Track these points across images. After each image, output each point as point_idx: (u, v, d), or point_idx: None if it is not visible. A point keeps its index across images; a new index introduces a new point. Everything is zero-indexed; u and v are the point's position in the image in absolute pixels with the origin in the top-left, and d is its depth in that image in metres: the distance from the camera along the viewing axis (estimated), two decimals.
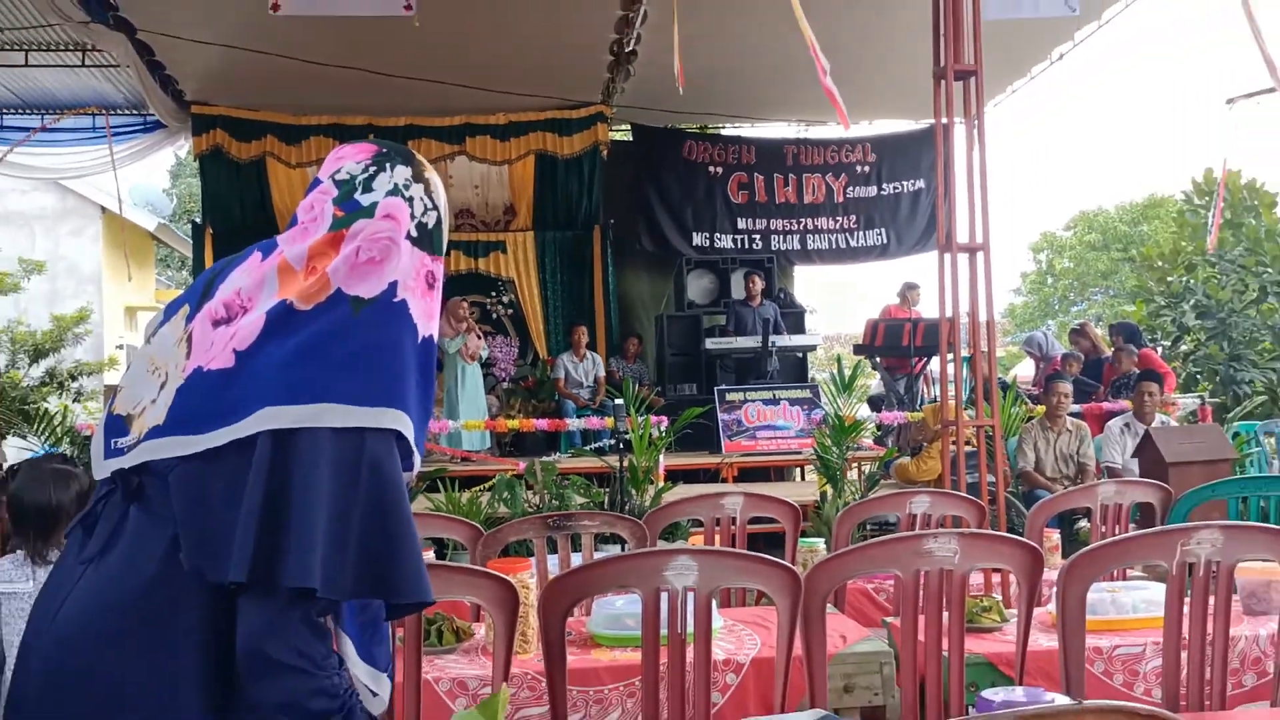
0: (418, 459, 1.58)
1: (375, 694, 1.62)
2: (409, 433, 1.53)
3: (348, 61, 8.95)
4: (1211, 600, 2.53)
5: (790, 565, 2.38)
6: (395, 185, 1.61)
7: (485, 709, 1.61)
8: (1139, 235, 28.88)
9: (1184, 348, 13.08)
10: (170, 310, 1.64)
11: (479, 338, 10.06)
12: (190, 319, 1.59)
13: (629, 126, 12.03)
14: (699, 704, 2.41)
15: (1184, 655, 2.54)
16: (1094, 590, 3.09)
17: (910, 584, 2.53)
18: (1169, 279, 13.60)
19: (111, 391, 1.68)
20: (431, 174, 1.67)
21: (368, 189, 1.60)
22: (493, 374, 11.10)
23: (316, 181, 1.63)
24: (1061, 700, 2.14)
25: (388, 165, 1.63)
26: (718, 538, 3.73)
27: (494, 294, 11.85)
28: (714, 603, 3.02)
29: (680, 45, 6.90)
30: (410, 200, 1.60)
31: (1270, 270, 13.04)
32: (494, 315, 11.89)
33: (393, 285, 1.54)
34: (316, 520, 1.43)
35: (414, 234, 1.59)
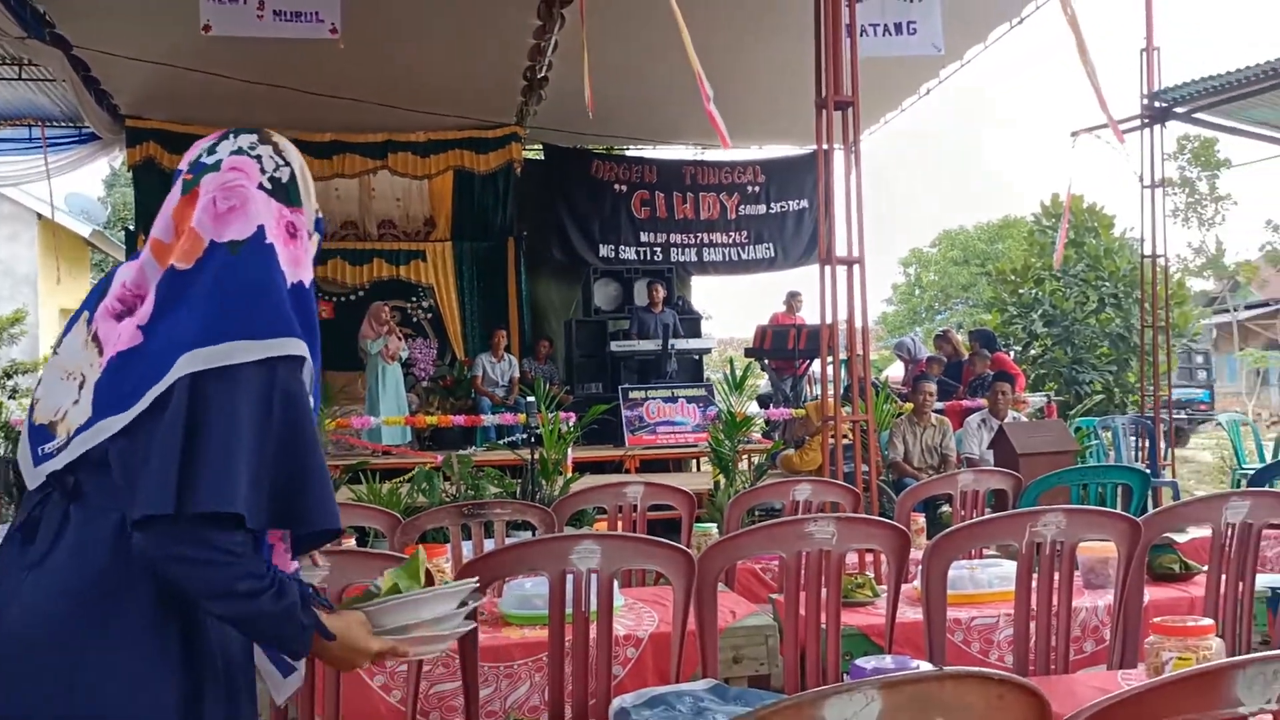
0: (314, 404, 1.56)
1: (287, 674, 1.60)
2: (308, 358, 1.52)
3: (277, 80, 8.74)
4: (1056, 576, 2.60)
5: (685, 548, 2.38)
6: (240, 147, 1.59)
7: (408, 568, 1.62)
8: (995, 252, 29.71)
9: (1033, 352, 13.48)
10: (72, 321, 1.60)
11: (399, 339, 9.90)
12: (90, 321, 1.55)
13: (541, 146, 11.98)
14: (601, 676, 2.40)
15: (1032, 625, 2.61)
16: (955, 568, 3.16)
17: (793, 563, 2.55)
18: (1020, 291, 14.01)
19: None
20: (280, 139, 1.64)
21: (212, 153, 1.58)
22: (413, 373, 10.94)
23: (178, 173, 1.61)
24: (926, 667, 2.18)
25: (232, 135, 1.61)
26: (620, 524, 3.72)
27: (414, 299, 11.69)
28: (615, 583, 3.01)
29: (589, 73, 6.88)
30: (258, 158, 1.58)
31: (1108, 284, 13.52)
32: (414, 319, 11.73)
33: (260, 229, 1.52)
34: (236, 450, 1.40)
35: (267, 186, 1.56)
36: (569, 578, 2.37)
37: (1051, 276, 13.74)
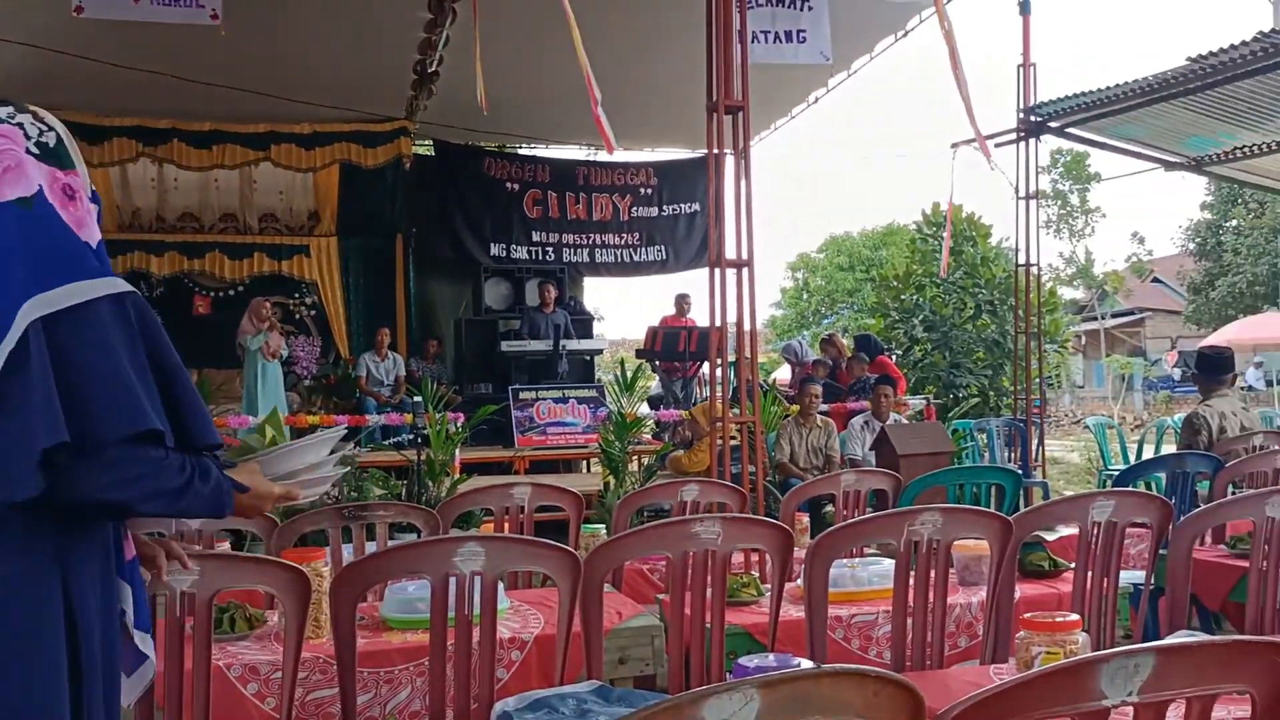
0: None
1: (146, 656, 1.62)
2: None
3: (152, 65, 8.39)
4: (932, 573, 2.66)
5: (570, 549, 2.36)
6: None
7: (271, 421, 1.79)
8: (879, 259, 30.51)
9: (914, 356, 13.85)
10: None
11: (280, 336, 9.63)
12: None
13: (432, 142, 11.80)
14: (483, 681, 2.36)
15: (909, 622, 2.67)
16: (836, 566, 3.21)
17: (679, 564, 2.56)
18: (903, 297, 14.38)
19: None
20: (39, 110, 1.63)
21: None
22: (294, 372, 10.65)
23: None
24: (806, 664, 2.21)
25: None
26: (507, 525, 3.68)
27: (297, 295, 11.40)
28: (501, 586, 2.98)
29: (481, 69, 6.80)
30: (19, 125, 1.57)
31: (984, 291, 13.99)
32: (297, 316, 11.43)
33: (40, 188, 1.51)
34: (124, 375, 1.44)
35: (35, 151, 1.55)
36: (452, 581, 2.32)
37: (932, 283, 14.15)
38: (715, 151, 4.61)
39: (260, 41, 8.09)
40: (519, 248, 11.77)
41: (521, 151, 12.38)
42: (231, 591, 2.73)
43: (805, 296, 34.22)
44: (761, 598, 3.08)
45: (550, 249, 11.87)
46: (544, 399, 9.44)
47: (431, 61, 9.11)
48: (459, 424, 7.89)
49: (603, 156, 12.37)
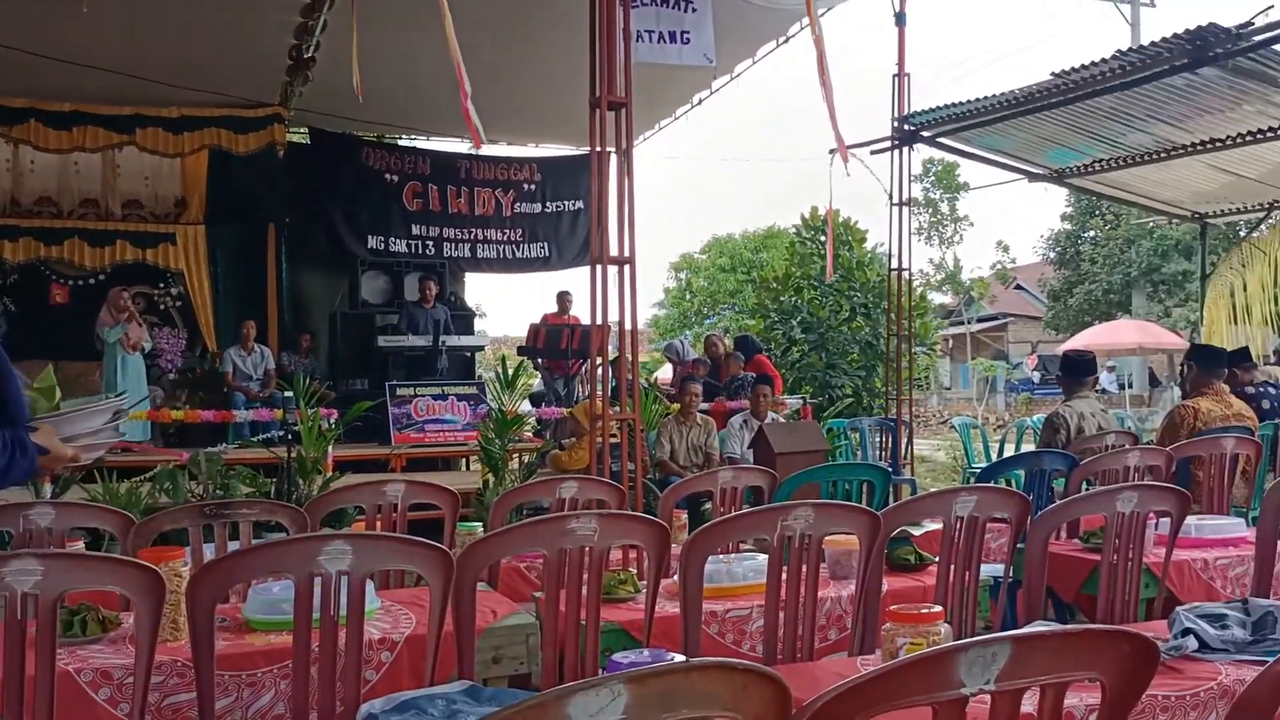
0: None
1: None
2: None
3: (8, 40, 7.92)
4: (804, 568, 2.71)
5: (441, 546, 2.31)
6: None
7: (44, 387, 1.96)
8: (760, 261, 31.00)
9: (792, 356, 14.12)
10: None
11: (141, 327, 9.22)
12: None
13: (307, 130, 11.48)
14: (349, 683, 2.30)
15: (781, 616, 2.70)
16: (713, 562, 3.24)
17: (554, 561, 2.54)
18: (781, 299, 14.64)
19: None
20: None
21: None
22: (158, 365, 10.22)
23: None
24: (678, 659, 2.22)
25: None
26: (379, 524, 3.59)
27: (162, 285, 10.94)
28: (372, 585, 2.90)
29: (359, 57, 6.64)
30: None
31: (859, 295, 14.36)
32: (161, 306, 10.97)
33: None
34: None
35: None
36: (317, 580, 2.25)
37: (810, 285, 14.46)
38: (598, 148, 4.60)
39: (126, 19, 7.72)
40: (398, 241, 11.54)
41: (401, 142, 12.15)
42: (85, 593, 2.59)
43: (688, 296, 34.52)
44: (638, 594, 3.08)
45: (430, 243, 11.67)
46: (422, 396, 9.28)
47: (308, 47, 8.84)
48: (332, 420, 7.69)
49: (486, 150, 12.23)
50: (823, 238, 14.57)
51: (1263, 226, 12.67)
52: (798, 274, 14.77)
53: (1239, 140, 8.98)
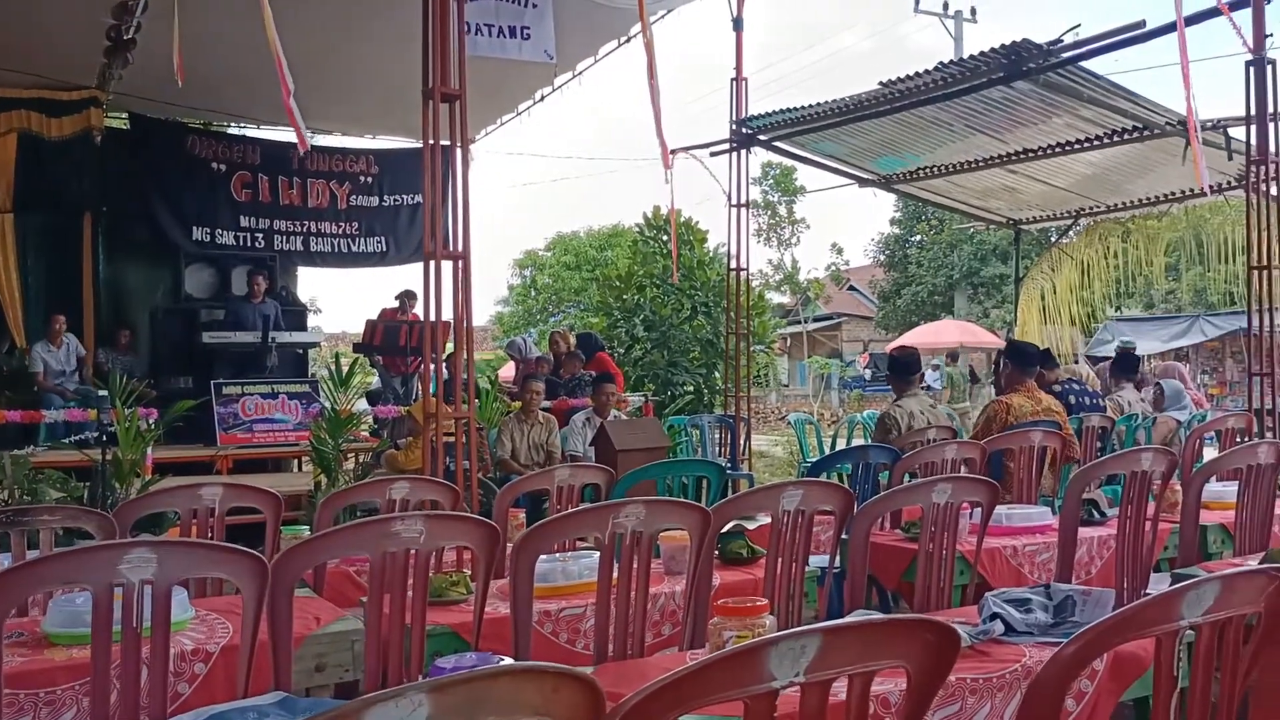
0: None
1: None
2: None
3: None
4: (635, 564, 2.71)
5: (252, 552, 2.20)
6: None
7: None
8: (604, 259, 31.15)
9: (635, 354, 14.23)
10: None
11: None
12: None
13: (127, 115, 10.84)
14: (155, 697, 2.16)
15: (613, 613, 2.70)
16: (548, 560, 3.22)
17: (378, 564, 2.46)
18: (624, 297, 14.73)
19: None
20: None
21: None
22: None
23: None
24: (506, 661, 2.18)
25: None
26: (194, 529, 3.41)
27: None
28: (186, 594, 2.75)
29: (181, 40, 6.30)
30: None
31: (700, 294, 14.58)
32: None
33: None
34: None
35: None
36: (118, 590, 2.10)
37: (652, 284, 14.60)
38: (431, 140, 4.50)
39: None
40: (225, 233, 11.03)
41: (230, 131, 11.61)
42: None
43: (533, 294, 34.40)
44: (471, 596, 3.03)
45: (260, 235, 11.20)
46: (250, 394, 8.91)
47: (128, 28, 8.33)
48: (152, 421, 7.29)
49: (321, 141, 11.84)
50: (665, 237, 14.73)
51: (1071, 233, 13.54)
52: (640, 273, 14.87)
53: (1050, 151, 9.55)
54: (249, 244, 11.16)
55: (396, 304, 11.24)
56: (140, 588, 2.11)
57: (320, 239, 11.56)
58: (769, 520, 3.18)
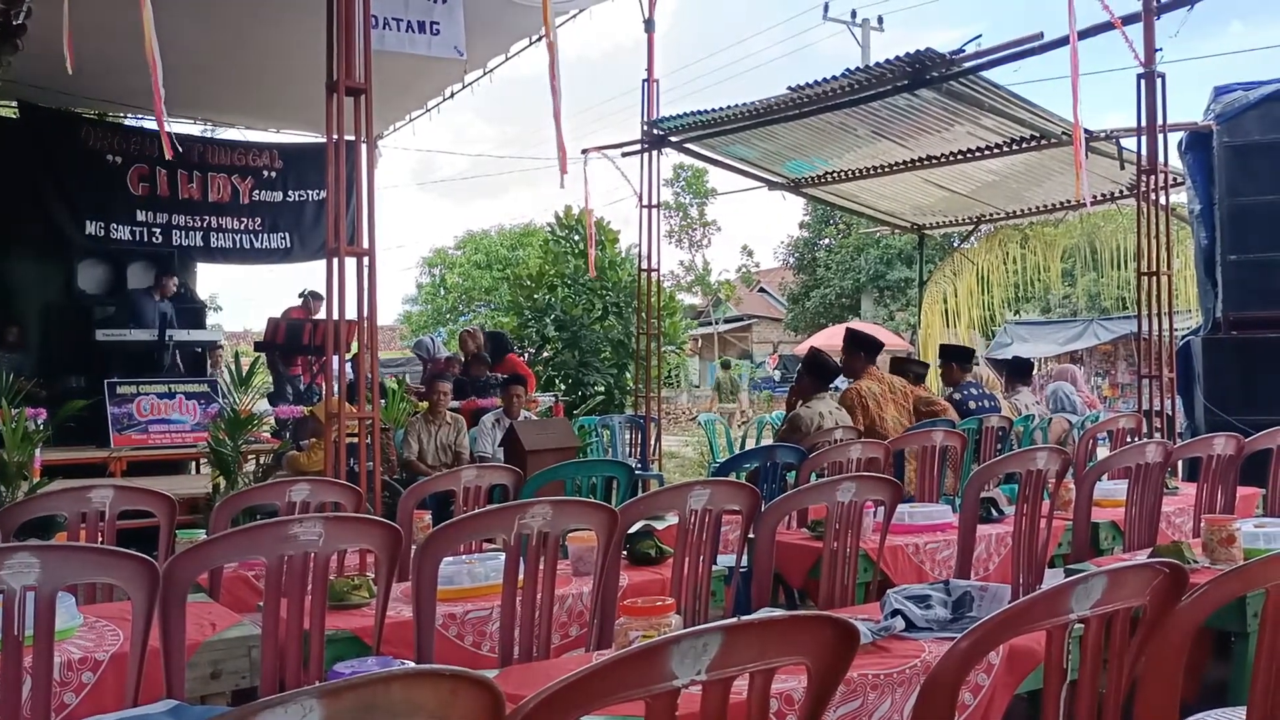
0: None
1: None
2: None
3: None
4: (541, 565, 2.69)
5: (141, 556, 2.12)
6: None
7: None
8: (515, 258, 30.96)
9: (546, 354, 14.17)
10: None
11: None
12: None
13: (16, 104, 10.39)
14: (38, 708, 2.07)
15: (518, 614, 2.67)
16: (454, 563, 3.18)
17: (275, 568, 2.39)
18: (535, 297, 14.65)
19: None
20: None
21: None
22: None
23: None
24: (408, 665, 2.14)
25: None
26: (83, 534, 3.28)
27: None
28: (74, 600, 2.65)
29: (74, 26, 6.06)
30: None
31: (612, 294, 14.58)
32: None
33: None
34: None
35: None
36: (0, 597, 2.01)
37: (564, 284, 14.54)
38: (335, 135, 4.41)
39: None
40: (120, 227, 10.65)
41: (127, 122, 11.22)
42: None
43: (443, 293, 34.00)
44: (374, 600, 2.97)
45: (158, 230, 10.85)
46: (146, 394, 8.62)
47: (17, 13, 7.97)
48: (41, 421, 7.01)
49: (221, 133, 11.53)
50: (576, 236, 14.70)
51: (972, 239, 13.92)
52: (551, 272, 14.81)
53: (952, 158, 9.80)
54: (146, 239, 10.81)
55: (302, 306, 11.00)
56: (22, 594, 2.02)
57: (221, 234, 11.26)
58: (678, 520, 3.19)
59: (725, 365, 25.83)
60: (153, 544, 3.48)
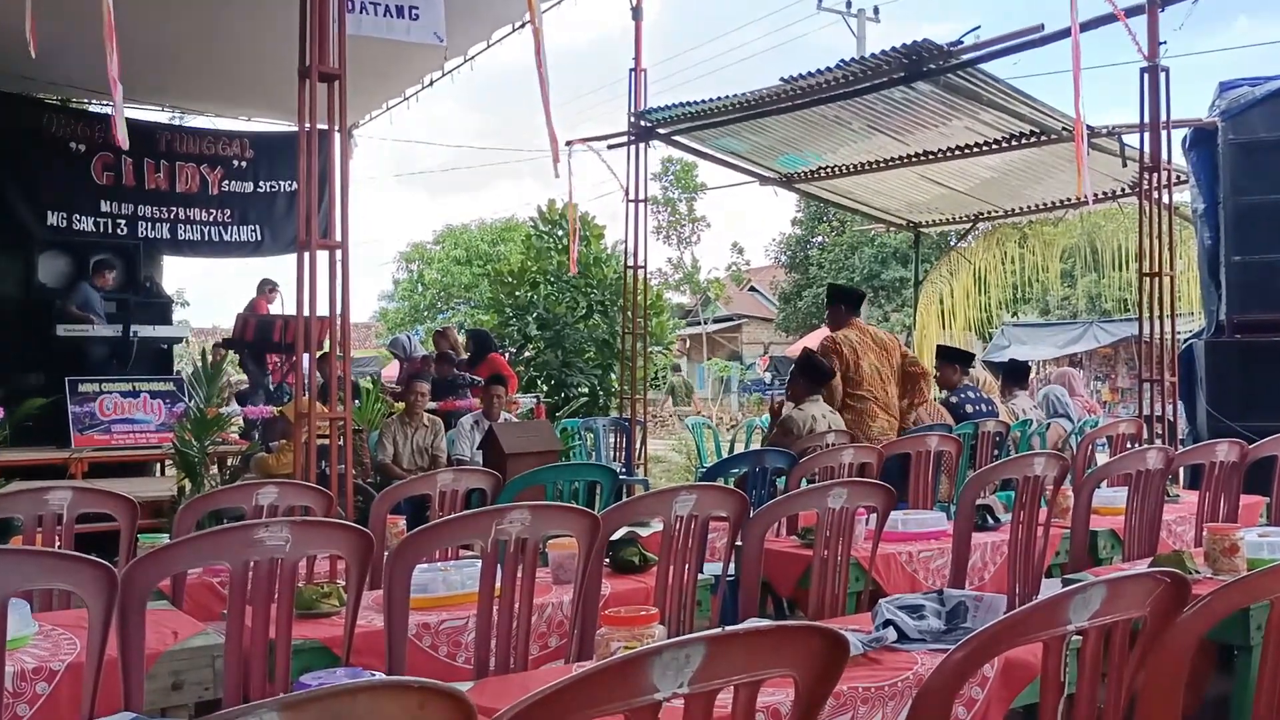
0: None
1: None
2: None
3: None
4: (519, 572, 2.68)
5: (99, 561, 2.10)
6: None
7: None
8: (496, 254, 30.90)
9: (527, 354, 14.14)
10: None
11: None
12: None
13: None
14: None
15: (495, 623, 2.66)
16: (429, 570, 3.17)
17: (240, 574, 2.37)
18: (517, 294, 14.62)
19: None
20: None
21: None
22: None
23: None
24: (378, 677, 2.13)
25: None
26: (39, 538, 3.25)
27: None
28: (28, 607, 2.63)
29: (35, 8, 6.00)
30: None
31: (597, 292, 14.57)
32: None
33: None
34: None
35: None
36: None
37: (547, 281, 14.52)
38: (308, 123, 4.39)
39: None
40: (84, 218, 10.56)
41: (91, 108, 11.14)
42: None
43: (421, 289, 33.91)
44: (344, 608, 2.96)
45: (123, 222, 10.75)
46: (109, 393, 8.55)
47: None
48: None
49: (190, 121, 11.47)
50: (560, 232, 14.67)
51: (969, 237, 13.96)
52: (534, 268, 14.78)
53: (949, 154, 9.83)
54: (110, 231, 10.72)
55: (259, 296, 10.97)
56: None
57: (189, 226, 11.18)
58: (663, 526, 3.19)
59: (676, 369, 25.96)
60: (114, 549, 3.46)
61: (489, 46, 9.30)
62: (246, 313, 10.31)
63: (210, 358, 7.99)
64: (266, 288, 10.97)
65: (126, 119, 11.32)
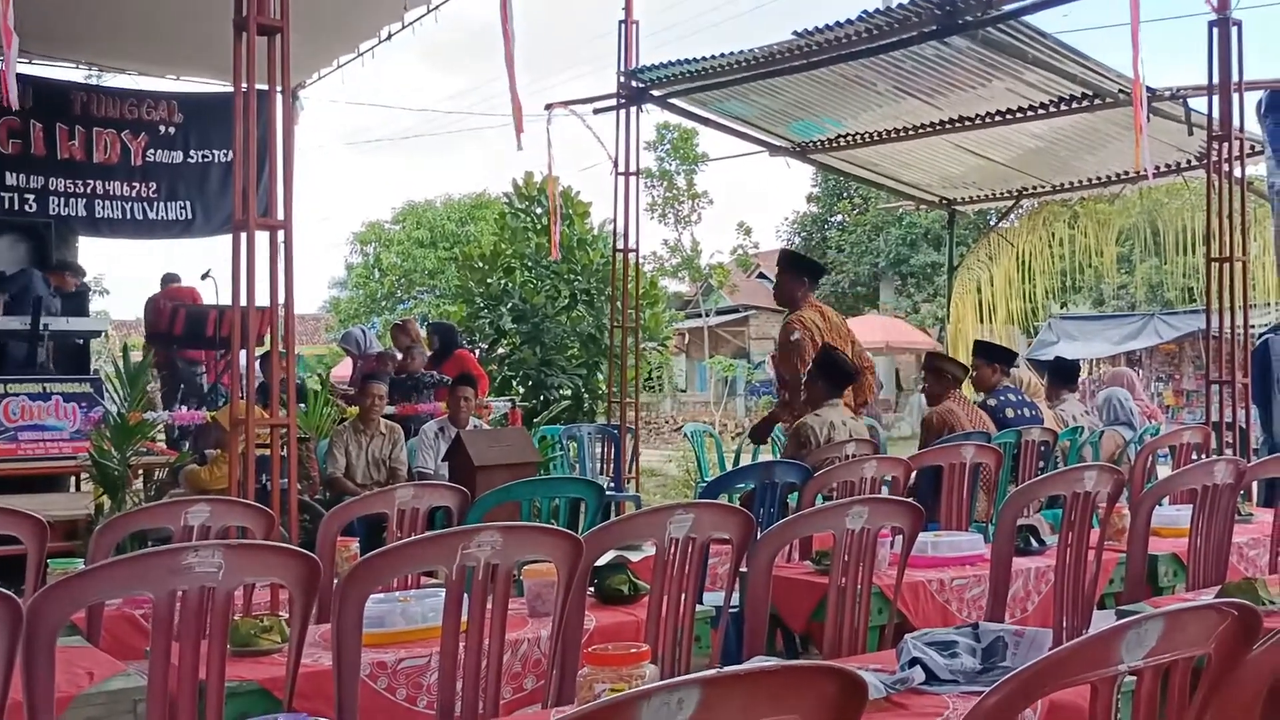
0: None
1: None
2: None
3: None
4: (489, 604, 2.68)
5: (5, 591, 2.10)
6: None
7: None
8: (465, 235, 30.89)
9: (501, 351, 14.12)
10: None
11: None
12: None
13: None
14: None
15: (461, 663, 2.67)
16: (385, 601, 3.17)
17: (164, 605, 2.38)
18: (489, 281, 14.59)
19: None
20: None
21: None
22: None
23: None
24: None
25: None
26: None
27: None
28: None
29: None
30: None
31: (581, 279, 14.56)
32: None
33: None
34: None
35: None
36: None
37: (523, 266, 14.50)
38: (245, 84, 4.38)
39: None
40: None
41: None
42: None
43: (378, 276, 33.90)
44: (287, 644, 2.96)
45: (31, 196, 10.77)
46: (16, 395, 8.54)
47: None
48: None
49: (110, 80, 11.44)
50: (538, 210, 14.66)
51: (1012, 216, 14.00)
52: (508, 252, 14.77)
53: (989, 120, 9.85)
54: (16, 207, 10.73)
55: (169, 282, 10.95)
56: None
57: (108, 202, 11.18)
58: (656, 550, 3.19)
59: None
60: (19, 576, 3.46)
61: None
62: (160, 298, 10.26)
63: (131, 354, 7.98)
64: (170, 281, 10.91)
65: (34, 77, 11.41)
